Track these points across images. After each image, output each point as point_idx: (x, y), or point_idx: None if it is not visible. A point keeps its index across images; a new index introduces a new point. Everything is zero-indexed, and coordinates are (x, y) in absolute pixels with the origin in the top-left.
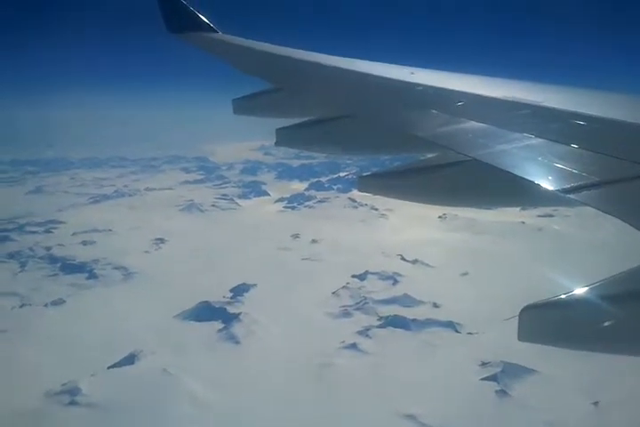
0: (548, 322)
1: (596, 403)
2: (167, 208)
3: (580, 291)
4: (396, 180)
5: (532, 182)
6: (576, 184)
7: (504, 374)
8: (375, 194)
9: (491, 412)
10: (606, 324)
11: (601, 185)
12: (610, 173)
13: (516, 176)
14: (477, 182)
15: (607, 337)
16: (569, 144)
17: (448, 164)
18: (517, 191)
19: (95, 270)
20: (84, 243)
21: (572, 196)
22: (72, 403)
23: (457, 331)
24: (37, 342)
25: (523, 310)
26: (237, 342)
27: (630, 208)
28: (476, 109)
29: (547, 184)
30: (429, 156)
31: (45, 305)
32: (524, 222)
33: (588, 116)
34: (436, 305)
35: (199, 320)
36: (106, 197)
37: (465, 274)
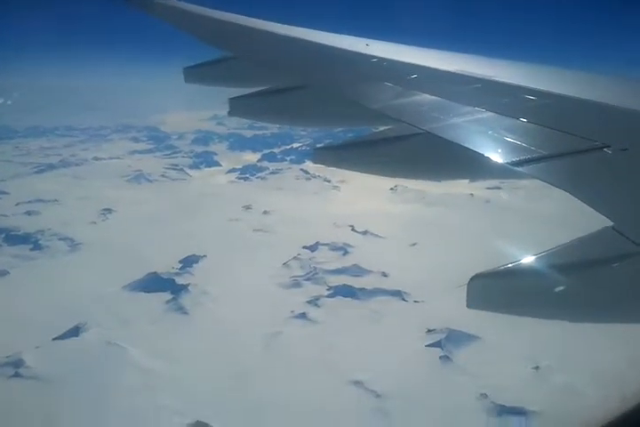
0: (496, 290)
1: (536, 368)
2: (115, 178)
3: (526, 260)
4: (351, 152)
5: (482, 155)
6: (524, 157)
7: (448, 341)
8: (329, 166)
9: (434, 377)
10: (551, 292)
11: (548, 158)
12: (557, 147)
13: (466, 149)
14: (429, 155)
15: (551, 304)
16: (518, 118)
17: (401, 136)
18: (468, 164)
19: (40, 241)
20: (29, 213)
21: (520, 169)
22: (16, 375)
23: (404, 299)
24: None
25: (472, 279)
26: (185, 313)
27: (576, 181)
28: (429, 83)
29: (496, 157)
30: (382, 128)
31: None
32: (472, 195)
33: (538, 91)
34: (384, 275)
35: (147, 291)
36: (51, 167)
37: (414, 244)
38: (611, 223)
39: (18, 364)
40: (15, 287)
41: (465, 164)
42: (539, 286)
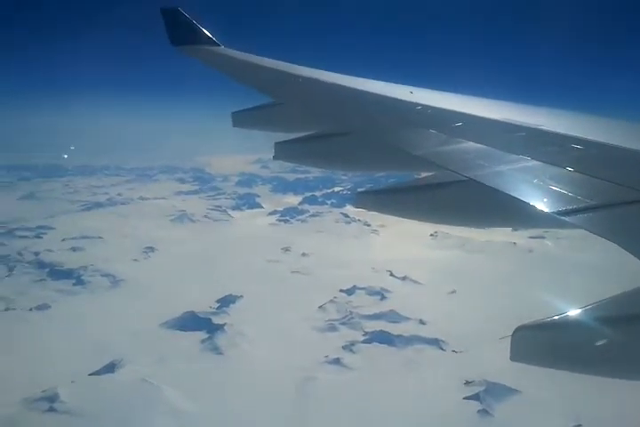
0: (541, 343)
1: (578, 426)
2: (159, 218)
3: (573, 313)
4: (394, 197)
5: (527, 204)
6: (571, 207)
7: (487, 394)
8: (371, 210)
9: None
10: (598, 346)
11: (595, 209)
12: (604, 197)
13: (511, 197)
14: (473, 202)
15: (598, 360)
16: (564, 167)
17: (445, 183)
18: (512, 212)
19: (82, 277)
20: (74, 249)
21: (566, 218)
22: (50, 410)
23: (442, 348)
24: (19, 347)
25: (516, 331)
26: (220, 353)
27: (623, 232)
28: (474, 130)
29: (542, 206)
30: (425, 175)
31: (30, 309)
32: (515, 243)
33: (585, 140)
34: (422, 322)
35: (183, 330)
36: (98, 205)
37: (453, 292)
38: None
39: (53, 398)
40: (55, 321)
41: (509, 212)
42: (584, 340)
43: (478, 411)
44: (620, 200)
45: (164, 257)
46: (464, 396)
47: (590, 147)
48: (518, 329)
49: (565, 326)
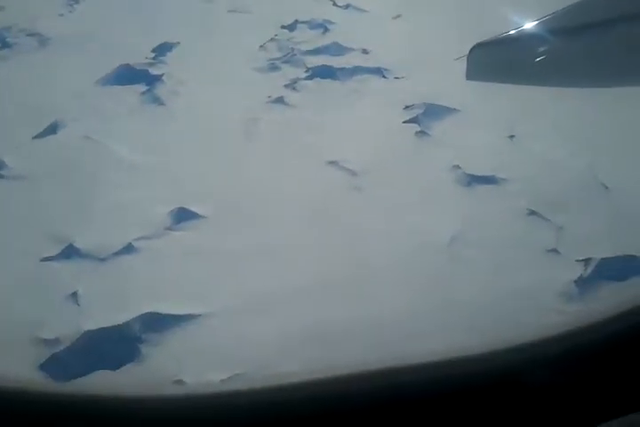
0: (497, 58)
1: (511, 136)
2: None
3: (527, 26)
4: None
5: None
6: None
7: (425, 116)
8: None
9: (409, 152)
10: (554, 55)
11: None
12: None
13: None
14: None
15: (550, 69)
16: None
17: None
18: None
19: (7, 39)
20: None
21: None
22: None
23: (384, 77)
24: None
25: (472, 49)
26: (162, 104)
27: None
28: None
29: None
30: None
31: None
32: None
33: None
34: (365, 52)
35: (121, 84)
36: None
37: (398, 17)
38: None
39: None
40: None
41: None
42: (539, 51)
43: (416, 132)
44: None
45: (89, 9)
46: (403, 120)
47: None
48: (475, 47)
49: (519, 39)
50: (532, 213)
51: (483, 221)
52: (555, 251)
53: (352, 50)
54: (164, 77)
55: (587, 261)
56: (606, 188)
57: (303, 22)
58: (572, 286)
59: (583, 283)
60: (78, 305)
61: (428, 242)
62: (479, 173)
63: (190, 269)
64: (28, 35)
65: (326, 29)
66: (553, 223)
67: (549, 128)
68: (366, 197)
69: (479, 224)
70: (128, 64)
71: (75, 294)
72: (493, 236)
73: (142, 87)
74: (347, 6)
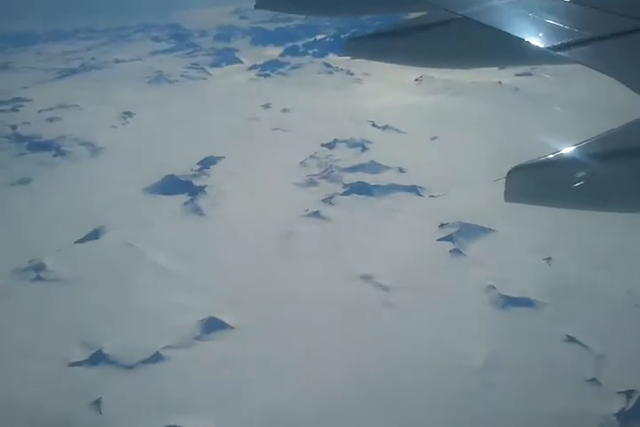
0: (535, 181)
1: (548, 259)
2: (135, 80)
3: (566, 150)
4: (387, 41)
5: (522, 40)
6: (566, 41)
7: (460, 235)
8: (362, 57)
9: (443, 270)
10: (590, 182)
11: (592, 41)
12: (601, 28)
13: (505, 34)
14: (467, 41)
15: (592, 194)
16: None
17: (438, 22)
18: (508, 49)
19: (62, 147)
20: (51, 120)
21: (561, 53)
22: (38, 278)
23: (419, 194)
24: (3, 222)
25: (511, 171)
26: (202, 214)
27: (621, 64)
28: None
29: (536, 41)
30: (415, 15)
31: (12, 184)
32: (500, 82)
33: None
34: (401, 170)
35: (165, 194)
36: (73, 72)
37: (434, 138)
38: None
39: (39, 268)
40: (38, 194)
41: (505, 49)
42: (579, 175)
43: (450, 251)
44: (619, 30)
45: (142, 121)
46: (437, 238)
47: None
48: (513, 170)
49: (559, 163)
50: (570, 339)
51: (518, 346)
52: (594, 380)
53: (388, 168)
54: (206, 189)
55: (628, 393)
56: None
57: (342, 141)
58: (613, 420)
59: (625, 417)
60: (101, 414)
61: (460, 365)
62: (515, 295)
63: (217, 382)
64: (81, 144)
65: (364, 148)
66: (592, 351)
67: (586, 252)
68: (398, 313)
69: (514, 349)
70: (173, 175)
71: (98, 402)
72: (529, 362)
73: (185, 197)
74: (385, 127)
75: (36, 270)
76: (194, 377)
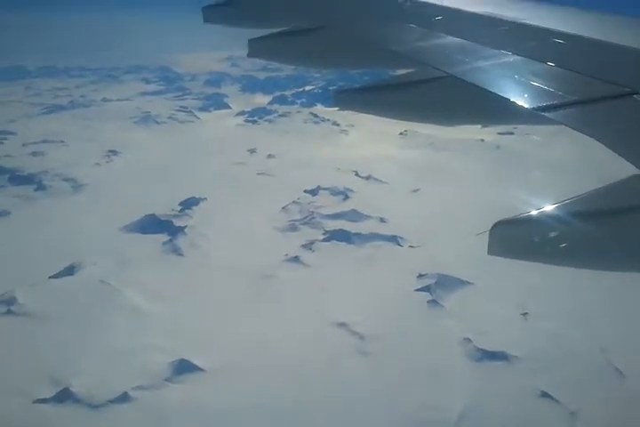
0: (518, 237)
1: (525, 314)
2: (122, 120)
3: (549, 208)
4: (374, 95)
5: (507, 99)
6: (550, 102)
7: (438, 286)
8: (349, 109)
9: (420, 321)
10: (576, 239)
11: (576, 104)
12: (585, 92)
13: (490, 93)
14: (453, 98)
15: (577, 252)
16: (546, 62)
17: (425, 80)
18: (491, 108)
19: (43, 182)
20: (34, 154)
21: (545, 113)
22: (8, 312)
23: (399, 244)
24: None
25: (495, 225)
26: (181, 255)
27: (604, 127)
28: (455, 25)
29: (521, 101)
30: (403, 71)
31: None
32: (483, 140)
33: (567, 34)
34: (382, 220)
35: (144, 233)
36: (60, 108)
37: (416, 190)
38: (638, 171)
39: (11, 302)
40: (15, 227)
41: (489, 108)
42: (561, 233)
43: (428, 301)
44: (602, 95)
45: (126, 161)
46: (415, 288)
47: (573, 41)
48: (497, 224)
49: (542, 220)
50: (544, 394)
51: (492, 400)
52: None
53: (370, 217)
54: (186, 229)
55: None
56: (621, 373)
57: (325, 188)
58: None
59: None
60: None
61: (434, 419)
62: (490, 349)
63: (182, 425)
64: (63, 179)
65: (347, 197)
66: (565, 407)
67: (563, 308)
68: (372, 363)
69: (488, 403)
70: (154, 214)
71: None
72: (503, 416)
73: (164, 237)
74: (368, 177)
75: (7, 304)
76: (160, 420)
